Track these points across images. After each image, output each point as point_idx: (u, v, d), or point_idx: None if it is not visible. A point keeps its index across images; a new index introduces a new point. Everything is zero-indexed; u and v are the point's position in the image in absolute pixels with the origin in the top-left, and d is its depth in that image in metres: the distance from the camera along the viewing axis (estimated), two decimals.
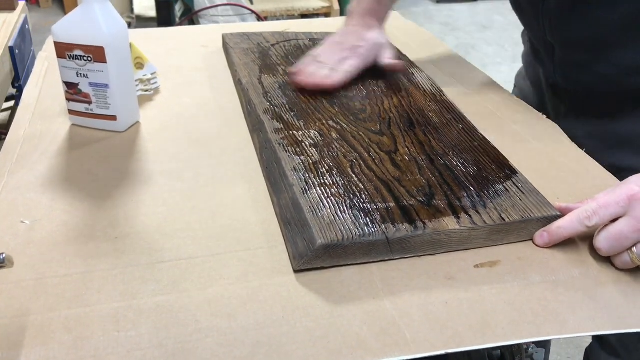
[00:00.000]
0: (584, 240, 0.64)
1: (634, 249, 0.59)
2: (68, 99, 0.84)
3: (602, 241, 0.60)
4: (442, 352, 0.51)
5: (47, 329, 0.52)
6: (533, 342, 0.82)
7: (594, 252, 0.63)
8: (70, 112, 0.85)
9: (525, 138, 0.84)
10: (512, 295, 0.57)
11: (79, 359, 0.49)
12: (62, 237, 0.63)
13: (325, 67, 0.94)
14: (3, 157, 0.77)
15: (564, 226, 0.62)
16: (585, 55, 0.87)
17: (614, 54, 0.84)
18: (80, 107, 0.84)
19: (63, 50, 0.80)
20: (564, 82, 0.93)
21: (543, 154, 0.80)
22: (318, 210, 0.62)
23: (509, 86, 1.05)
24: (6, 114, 1.53)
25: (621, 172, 0.74)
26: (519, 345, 0.75)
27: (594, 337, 1.06)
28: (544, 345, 0.97)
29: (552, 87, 1.00)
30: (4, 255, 0.58)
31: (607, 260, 0.62)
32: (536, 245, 0.64)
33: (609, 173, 0.76)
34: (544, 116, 0.90)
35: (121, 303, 0.55)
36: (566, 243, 0.64)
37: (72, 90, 0.83)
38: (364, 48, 0.97)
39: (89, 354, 0.49)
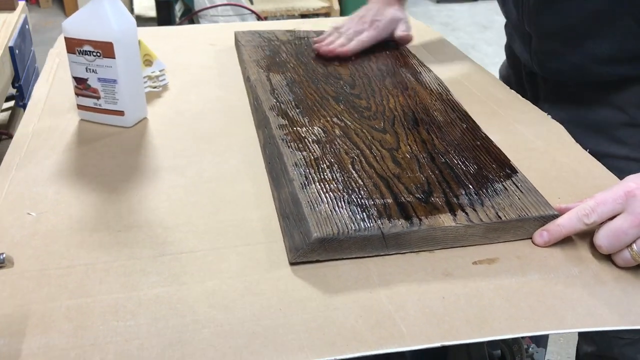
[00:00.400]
0: (583, 239, 0.64)
1: (634, 245, 0.59)
2: (77, 94, 0.85)
3: (602, 238, 0.61)
4: (438, 344, 0.51)
5: (48, 318, 0.52)
6: (533, 342, 0.82)
7: (593, 250, 0.63)
8: (79, 106, 0.86)
9: (528, 138, 0.84)
10: (510, 292, 0.57)
11: (78, 347, 0.50)
12: (66, 229, 0.64)
13: (342, 37, 1.06)
14: (12, 152, 0.78)
15: (562, 224, 0.63)
16: (559, 46, 0.92)
17: (586, 45, 0.88)
18: (89, 102, 0.85)
19: (73, 45, 0.81)
20: (540, 70, 0.98)
21: (546, 153, 0.80)
22: (316, 205, 0.63)
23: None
24: (6, 114, 1.55)
25: (597, 159, 0.79)
26: (519, 345, 0.75)
27: None
28: (544, 345, 0.97)
29: (529, 74, 1.05)
30: (4, 255, 0.58)
31: (606, 258, 0.62)
32: (535, 245, 0.64)
33: (611, 173, 0.76)
34: (549, 116, 0.90)
35: (121, 294, 0.55)
36: (565, 242, 0.64)
37: (81, 85, 0.84)
38: (381, 22, 1.09)
39: (88, 342, 0.50)
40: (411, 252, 0.62)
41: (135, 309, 0.54)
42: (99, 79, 0.83)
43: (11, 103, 1.53)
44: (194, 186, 0.72)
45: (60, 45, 1.11)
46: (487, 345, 0.74)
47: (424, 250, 0.62)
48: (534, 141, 0.83)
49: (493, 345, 0.79)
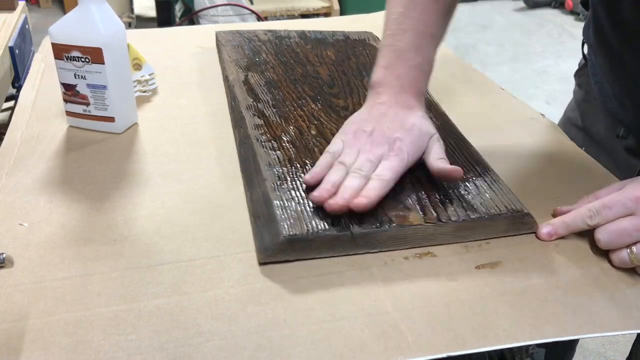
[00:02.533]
0: (585, 241, 0.64)
1: (634, 248, 0.59)
2: (66, 101, 0.83)
3: (603, 233, 0.61)
4: (444, 355, 0.50)
5: (46, 332, 0.51)
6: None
7: (594, 250, 0.63)
8: (68, 113, 0.85)
9: (524, 138, 0.84)
10: (513, 297, 0.57)
11: None
12: (60, 239, 0.63)
13: (356, 176, 0.64)
14: (0, 160, 0.76)
15: (567, 222, 0.63)
16: None
17: None
18: (78, 108, 0.83)
19: (60, 51, 0.80)
20: None
21: (542, 153, 0.80)
22: (287, 205, 0.63)
23: (508, 86, 1.04)
24: (6, 114, 1.53)
25: None
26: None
27: None
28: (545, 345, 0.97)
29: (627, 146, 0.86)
30: (4, 255, 0.57)
31: (607, 261, 0.62)
32: (538, 238, 0.64)
33: (609, 172, 0.76)
34: (543, 115, 0.90)
35: (121, 306, 0.54)
36: (567, 244, 0.64)
37: (69, 91, 0.82)
38: (405, 141, 0.68)
39: (89, 358, 0.49)
40: (414, 256, 0.61)
41: (136, 321, 0.53)
42: (88, 85, 0.81)
43: (11, 103, 1.51)
44: (189, 192, 0.71)
45: (45, 49, 1.09)
46: None
47: (427, 255, 0.62)
48: (530, 141, 0.83)
49: None
